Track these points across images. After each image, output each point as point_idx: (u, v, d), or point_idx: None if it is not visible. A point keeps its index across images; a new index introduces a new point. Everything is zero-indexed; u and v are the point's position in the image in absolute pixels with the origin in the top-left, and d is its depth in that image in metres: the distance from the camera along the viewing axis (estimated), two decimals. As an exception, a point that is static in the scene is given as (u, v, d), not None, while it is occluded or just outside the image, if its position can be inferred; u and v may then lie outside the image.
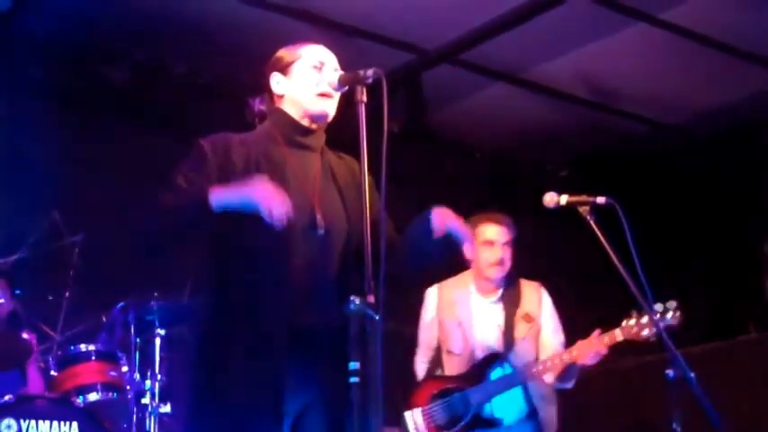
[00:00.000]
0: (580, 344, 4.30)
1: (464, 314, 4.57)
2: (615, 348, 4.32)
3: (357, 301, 2.83)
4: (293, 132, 3.12)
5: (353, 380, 2.75)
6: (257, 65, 3.25)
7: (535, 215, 4.46)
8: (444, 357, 4.60)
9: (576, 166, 7.04)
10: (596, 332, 4.28)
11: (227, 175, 2.96)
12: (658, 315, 3.90)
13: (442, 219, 3.05)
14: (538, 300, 4.57)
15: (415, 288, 4.89)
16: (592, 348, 4.24)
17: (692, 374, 3.42)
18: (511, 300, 4.54)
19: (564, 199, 3.73)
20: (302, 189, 3.04)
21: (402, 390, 4.55)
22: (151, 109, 6.13)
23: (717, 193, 6.87)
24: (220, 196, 2.85)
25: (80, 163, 5.97)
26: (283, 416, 2.89)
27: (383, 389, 2.76)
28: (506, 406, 4.42)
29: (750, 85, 6.63)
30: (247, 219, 2.91)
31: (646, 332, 4.10)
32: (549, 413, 4.47)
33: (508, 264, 4.53)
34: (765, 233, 6.72)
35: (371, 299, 2.81)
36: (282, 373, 2.89)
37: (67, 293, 5.45)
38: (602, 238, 3.58)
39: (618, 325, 4.18)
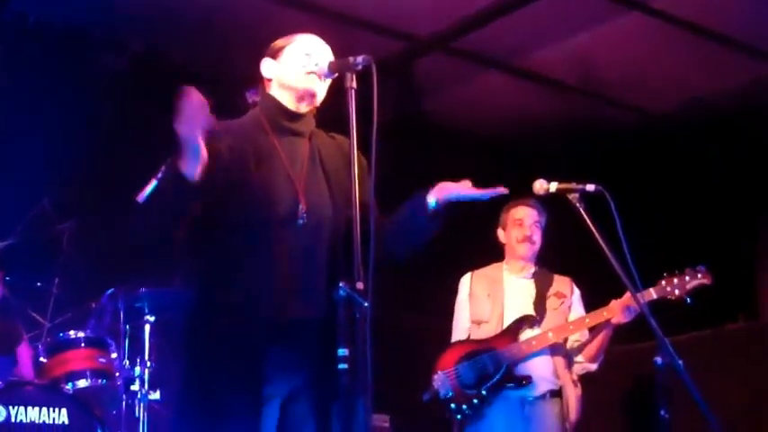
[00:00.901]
0: (614, 302, 4.39)
1: (496, 287, 4.69)
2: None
3: (346, 287, 2.83)
4: (281, 118, 3.11)
5: (342, 366, 2.76)
6: (252, 54, 3.24)
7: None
8: (473, 330, 4.68)
9: (566, 153, 7.04)
10: (629, 292, 4.33)
11: (214, 162, 2.94)
12: (690, 276, 4.20)
13: (445, 190, 3.03)
14: (570, 287, 4.71)
15: (414, 279, 4.89)
16: (625, 305, 4.33)
17: (681, 361, 3.43)
18: (542, 279, 4.69)
19: (553, 186, 3.75)
20: (288, 177, 3.03)
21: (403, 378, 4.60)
22: (146, 97, 6.10)
23: (707, 181, 6.87)
24: (184, 161, 2.80)
25: (72, 150, 5.94)
26: (263, 403, 2.89)
27: (373, 376, 2.78)
28: (536, 375, 4.48)
29: (741, 74, 6.64)
30: (231, 209, 2.91)
31: (678, 291, 4.25)
32: (573, 396, 4.50)
33: (537, 242, 4.69)
34: (755, 222, 6.74)
35: (360, 285, 2.81)
36: (263, 360, 2.88)
37: (57, 280, 5.44)
38: (591, 226, 3.59)
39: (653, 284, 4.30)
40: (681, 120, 7.01)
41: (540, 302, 4.60)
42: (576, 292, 4.71)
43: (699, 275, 4.26)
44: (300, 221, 2.98)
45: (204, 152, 2.80)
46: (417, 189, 3.14)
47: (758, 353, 5.34)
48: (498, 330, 4.56)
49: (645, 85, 6.86)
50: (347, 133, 2.90)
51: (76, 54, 6.15)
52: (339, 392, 2.77)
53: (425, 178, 3.32)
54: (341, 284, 2.83)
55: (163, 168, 2.99)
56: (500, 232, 4.78)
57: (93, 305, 5.17)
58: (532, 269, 4.72)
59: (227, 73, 5.46)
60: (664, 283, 4.29)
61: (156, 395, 4.84)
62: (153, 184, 3.26)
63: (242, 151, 3.01)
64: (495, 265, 4.78)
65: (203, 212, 2.91)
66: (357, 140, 2.88)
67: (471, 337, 4.66)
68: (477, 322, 4.66)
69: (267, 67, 3.15)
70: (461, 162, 7.07)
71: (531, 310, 4.58)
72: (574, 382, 4.55)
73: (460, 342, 4.66)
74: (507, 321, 4.58)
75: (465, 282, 4.78)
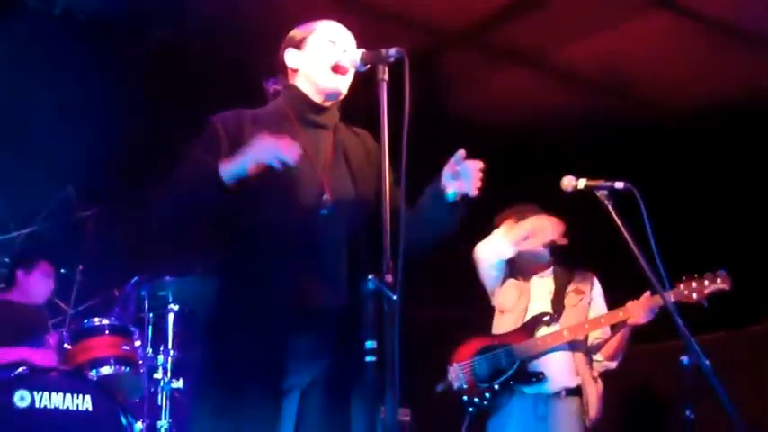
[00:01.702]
0: (631, 303, 4.37)
1: (523, 284, 4.66)
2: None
3: (375, 280, 2.83)
4: (305, 109, 3.10)
5: (370, 359, 2.76)
6: (274, 44, 3.23)
7: (550, 200, 4.51)
8: (496, 318, 4.67)
9: (591, 151, 7.00)
10: (647, 293, 4.34)
11: (239, 152, 2.95)
12: (710, 280, 4.16)
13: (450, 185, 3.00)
14: (590, 283, 4.66)
15: (430, 273, 4.88)
16: (644, 306, 4.31)
17: (707, 362, 3.42)
18: (562, 276, 4.66)
19: (582, 183, 3.72)
20: (312, 168, 3.03)
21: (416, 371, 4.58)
22: (170, 86, 6.12)
23: (731, 180, 6.84)
24: (229, 167, 2.83)
25: (96, 138, 5.96)
26: (283, 393, 2.89)
27: (400, 369, 2.77)
28: (553, 372, 4.45)
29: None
30: (255, 198, 2.91)
31: (695, 295, 4.22)
32: (593, 393, 4.48)
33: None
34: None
35: (389, 278, 2.81)
36: (284, 351, 2.88)
37: (80, 267, 5.47)
38: (619, 223, 3.57)
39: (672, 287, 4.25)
40: (707, 119, 6.97)
41: (558, 300, 4.58)
42: (597, 287, 4.67)
43: (718, 280, 4.23)
44: (324, 212, 2.98)
45: (250, 172, 2.82)
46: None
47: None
48: (518, 323, 4.54)
49: (671, 84, 6.82)
50: (375, 125, 2.90)
51: (101, 42, 6.16)
52: (365, 385, 2.77)
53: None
54: (370, 277, 2.83)
55: (202, 138, 3.00)
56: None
57: (118, 293, 5.20)
58: (551, 268, 4.70)
59: (249, 62, 5.48)
60: (682, 286, 4.27)
61: (178, 384, 4.86)
62: None
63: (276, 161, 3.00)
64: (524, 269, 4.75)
65: (229, 205, 2.92)
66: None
67: (494, 327, 4.65)
68: (500, 310, 4.65)
69: (291, 57, 3.13)
70: (484, 158, 7.06)
71: (548, 308, 4.56)
72: (594, 379, 4.52)
73: (477, 336, 4.64)
74: (529, 316, 4.56)
75: (501, 263, 4.70)
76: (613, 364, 4.60)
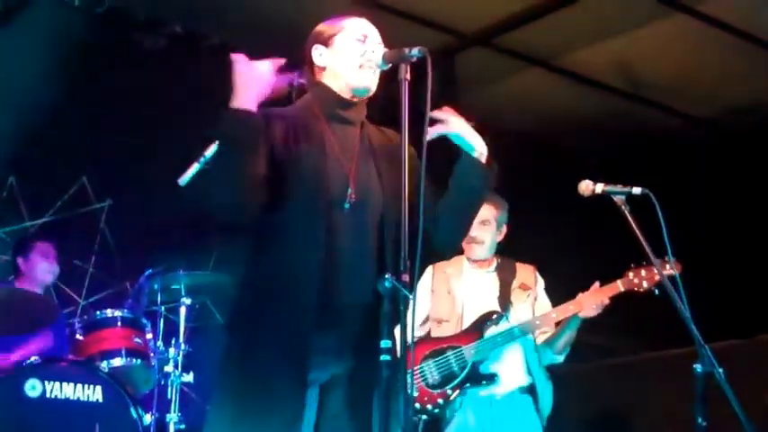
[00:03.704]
0: (581, 296, 4.32)
1: (456, 284, 4.56)
2: (642, 341, 4.34)
3: (392, 278, 2.83)
4: (334, 106, 3.11)
5: (385, 358, 2.76)
6: (292, 38, 3.24)
7: (564, 202, 4.51)
8: (433, 328, 4.57)
9: (606, 154, 7.02)
10: (596, 284, 4.31)
11: (265, 150, 2.95)
12: (660, 266, 3.89)
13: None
14: (534, 277, 4.59)
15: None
16: (594, 299, 4.27)
17: (720, 370, 3.41)
18: (506, 272, 4.57)
19: (599, 188, 3.71)
20: (338, 162, 3.04)
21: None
22: (186, 78, 6.12)
23: (747, 188, 6.82)
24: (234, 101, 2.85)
25: (111, 130, 5.98)
26: (307, 386, 2.90)
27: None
28: (505, 372, 4.40)
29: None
30: (281, 191, 2.92)
31: (646, 284, 4.16)
32: (547, 391, 4.46)
33: (486, 241, 4.52)
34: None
35: (406, 277, 2.81)
36: (308, 346, 2.89)
37: (93, 259, 5.48)
38: (635, 229, 3.57)
39: (619, 277, 4.23)
40: (724, 126, 6.96)
41: (504, 296, 4.50)
42: (540, 281, 4.60)
43: (668, 266, 4.00)
44: (348, 206, 2.99)
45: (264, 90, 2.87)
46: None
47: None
48: (458, 329, 4.46)
49: (688, 90, 6.81)
50: (397, 123, 2.91)
51: (118, 33, 6.17)
52: (380, 383, 2.78)
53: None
54: (386, 276, 2.83)
55: (213, 150, 3.01)
56: None
57: (130, 286, 5.21)
58: (494, 262, 4.60)
59: (267, 56, 5.47)
60: (631, 275, 4.21)
61: (188, 377, 4.86)
62: (195, 166, 3.27)
63: (295, 137, 3.01)
64: (456, 259, 4.63)
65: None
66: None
67: (432, 336, 4.55)
68: (437, 321, 4.54)
69: (319, 54, 3.14)
70: (500, 159, 7.06)
71: (495, 305, 4.48)
72: (546, 376, 4.49)
73: (424, 340, 4.54)
74: (468, 319, 4.47)
75: (426, 275, 4.63)
76: (561, 358, 4.53)
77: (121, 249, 5.71)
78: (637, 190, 3.65)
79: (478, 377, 4.36)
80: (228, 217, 3.02)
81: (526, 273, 4.60)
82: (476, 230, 4.45)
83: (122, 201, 5.93)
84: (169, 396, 4.80)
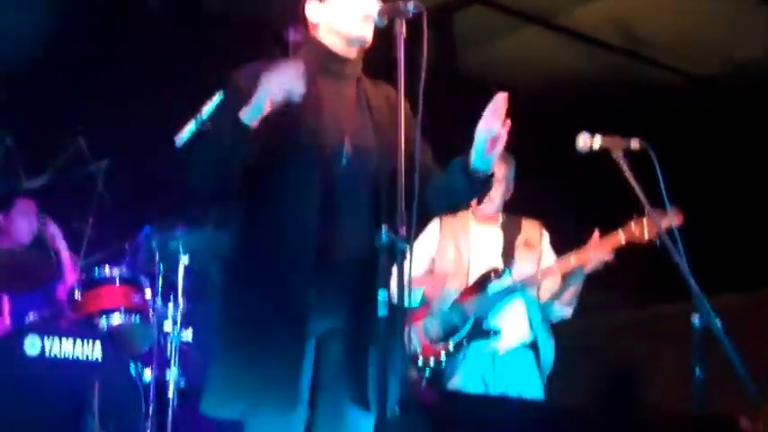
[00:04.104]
0: (582, 249, 4.32)
1: (462, 239, 4.58)
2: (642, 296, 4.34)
3: (388, 232, 2.83)
4: (328, 61, 3.10)
5: (382, 310, 2.76)
6: (289, 4, 3.21)
7: (563, 159, 4.50)
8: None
9: (606, 113, 6.97)
10: (596, 236, 4.30)
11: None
12: (660, 217, 3.96)
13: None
14: (539, 233, 4.62)
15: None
16: (595, 251, 4.27)
17: (718, 322, 3.42)
18: (511, 228, 4.59)
19: (597, 141, 3.71)
20: (334, 119, 3.02)
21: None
22: (184, 40, 6.08)
23: (747, 145, 6.80)
24: (247, 109, 2.83)
25: (108, 90, 5.95)
26: (306, 338, 2.91)
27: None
28: (507, 327, 4.42)
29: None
30: (276, 148, 2.91)
31: (647, 234, 4.14)
32: (549, 347, 4.47)
33: (495, 198, 4.55)
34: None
35: (403, 230, 2.80)
36: (306, 302, 2.90)
37: (91, 220, 5.47)
38: (633, 182, 3.56)
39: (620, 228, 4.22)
40: (724, 83, 6.92)
41: (508, 252, 4.52)
42: (546, 236, 4.63)
43: (668, 216, 4.01)
44: (344, 162, 2.98)
45: (267, 110, 2.82)
46: (451, 139, 3.15)
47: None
48: (464, 284, 4.49)
49: (687, 47, 6.75)
50: (393, 80, 2.89)
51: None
52: (376, 336, 2.78)
53: (461, 133, 3.33)
54: (383, 229, 2.83)
55: (210, 109, 3.00)
56: None
57: (128, 244, 5.20)
58: (500, 218, 4.63)
59: (265, 18, 5.44)
60: (633, 225, 4.20)
61: (187, 335, 4.87)
62: (191, 125, 3.26)
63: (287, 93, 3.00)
64: (462, 214, 4.64)
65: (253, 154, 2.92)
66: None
67: None
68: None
69: (313, 10, 3.12)
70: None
71: (498, 262, 4.50)
72: (549, 332, 4.50)
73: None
74: (473, 275, 4.50)
75: (434, 225, 4.63)
76: (569, 311, 4.55)
77: (119, 209, 5.69)
78: (635, 143, 3.66)
79: (481, 332, 4.38)
80: (201, 200, 3.04)
81: (531, 229, 4.61)
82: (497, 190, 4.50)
83: (120, 161, 5.91)
84: (168, 354, 4.81)
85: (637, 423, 2.48)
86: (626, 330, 6.02)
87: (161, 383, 4.77)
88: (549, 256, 4.59)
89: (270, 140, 2.91)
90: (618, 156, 3.63)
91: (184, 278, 4.91)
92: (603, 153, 3.70)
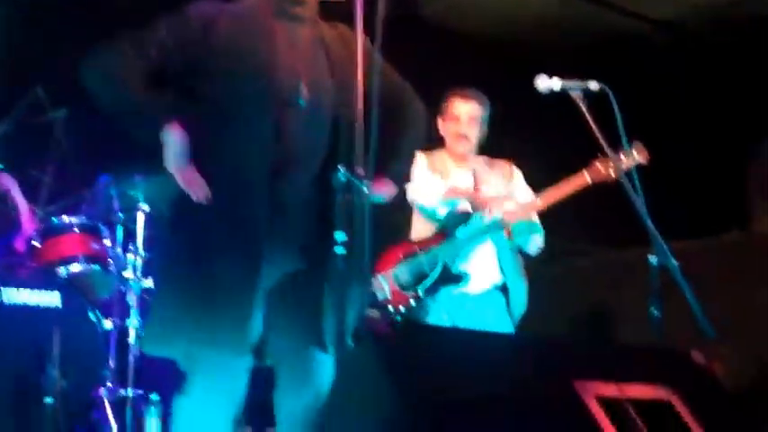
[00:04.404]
0: (549, 189, 4.34)
1: (443, 175, 4.60)
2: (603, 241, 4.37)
3: (346, 172, 2.82)
4: (283, 2, 3.07)
5: (340, 251, 2.76)
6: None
7: (526, 102, 4.49)
8: (414, 218, 4.62)
9: (566, 57, 6.96)
10: (564, 179, 4.32)
11: (209, 44, 2.92)
12: (626, 155, 4.03)
13: None
14: (510, 171, 4.65)
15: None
16: (561, 192, 4.29)
17: (675, 262, 3.45)
18: (482, 169, 4.60)
19: (557, 83, 3.73)
20: (290, 61, 3.00)
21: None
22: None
23: (710, 90, 6.82)
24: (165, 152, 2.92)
25: (66, 38, 5.85)
26: (259, 280, 2.90)
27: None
28: (477, 270, 4.43)
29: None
30: (228, 88, 2.89)
31: (613, 173, 4.13)
32: (520, 289, 4.49)
33: (473, 138, 4.58)
34: (751, 133, 6.70)
35: (360, 171, 2.80)
36: (260, 241, 2.88)
37: (50, 169, 5.40)
38: (592, 124, 3.57)
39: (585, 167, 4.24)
40: (687, 27, 6.92)
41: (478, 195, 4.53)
42: (517, 172, 4.64)
43: (635, 153, 4.09)
44: (301, 102, 2.96)
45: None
46: (413, 83, 3.15)
47: (751, 263, 5.38)
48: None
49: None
50: (352, 21, 2.88)
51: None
52: (334, 277, 2.78)
53: (421, 80, 3.33)
54: (340, 169, 2.82)
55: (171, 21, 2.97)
56: (439, 122, 4.67)
57: (86, 192, 5.14)
58: (472, 159, 4.64)
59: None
60: (598, 164, 4.20)
61: (149, 283, 4.83)
62: None
63: (242, 33, 2.97)
64: (439, 152, 4.67)
65: (205, 94, 2.90)
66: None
67: (413, 226, 4.61)
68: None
69: None
70: (460, 60, 7.00)
71: (467, 205, 4.51)
72: (521, 274, 4.52)
73: (398, 244, 4.58)
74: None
75: (420, 159, 4.61)
76: (534, 248, 4.56)
77: (78, 158, 5.62)
78: (594, 85, 3.68)
79: (450, 276, 4.38)
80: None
81: (503, 169, 4.60)
82: (465, 128, 4.54)
83: (78, 109, 5.82)
84: (129, 302, 4.78)
85: (591, 353, 2.50)
86: (589, 275, 6.06)
87: (122, 332, 4.74)
88: (521, 187, 4.59)
89: (224, 82, 2.89)
90: (577, 96, 3.64)
91: (144, 226, 4.87)
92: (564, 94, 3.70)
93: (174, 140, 2.91)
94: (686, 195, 6.20)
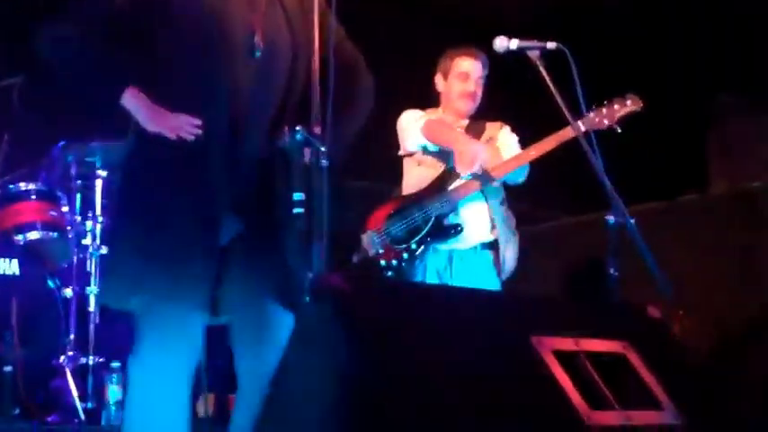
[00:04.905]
0: (543, 140, 4.29)
1: None
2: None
3: (303, 131, 2.80)
4: None
5: (298, 210, 2.75)
6: None
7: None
8: (410, 168, 4.59)
9: (525, 19, 6.94)
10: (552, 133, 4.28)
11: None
12: (619, 104, 4.09)
13: None
14: (500, 128, 4.61)
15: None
16: (555, 141, 4.25)
17: (632, 220, 3.47)
18: (475, 129, 4.57)
19: (514, 43, 3.72)
20: (243, 12, 2.97)
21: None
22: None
23: (668, 51, 6.83)
24: (130, 104, 2.89)
25: (23, 3, 5.77)
26: (216, 237, 2.88)
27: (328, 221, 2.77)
28: (469, 226, 4.41)
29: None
30: (181, 41, 2.86)
31: (607, 121, 4.13)
32: (511, 249, 4.50)
33: (479, 98, 4.57)
34: (713, 93, 6.73)
35: (317, 129, 2.78)
36: (217, 196, 2.87)
37: (6, 136, 5.33)
38: (550, 83, 3.57)
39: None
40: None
41: None
42: (507, 130, 4.61)
43: (629, 102, 4.12)
44: (257, 54, 2.94)
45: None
46: (376, 41, 3.12)
47: (709, 224, 5.42)
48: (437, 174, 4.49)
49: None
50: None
51: None
52: (291, 236, 2.78)
53: (384, 33, 3.28)
54: (298, 128, 2.80)
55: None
56: (438, 79, 4.62)
57: (43, 159, 5.08)
58: (467, 121, 4.61)
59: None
60: (592, 114, 4.15)
61: (106, 250, 4.80)
62: None
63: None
64: (433, 111, 4.63)
65: (157, 50, 2.87)
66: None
67: (405, 178, 4.59)
68: (419, 161, 4.56)
69: None
70: (418, 20, 6.97)
71: None
72: (512, 232, 4.52)
73: (388, 200, 4.57)
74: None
75: (417, 114, 4.57)
76: (521, 178, 4.52)
77: (35, 125, 5.55)
78: (551, 45, 3.67)
79: (442, 230, 4.37)
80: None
81: (494, 129, 4.60)
82: (473, 86, 4.52)
83: (34, 75, 5.75)
84: (88, 269, 4.75)
85: (548, 308, 2.52)
86: (552, 239, 6.09)
87: (82, 299, 4.72)
88: (510, 144, 4.57)
89: (178, 36, 2.86)
90: (534, 56, 3.63)
91: (102, 193, 4.83)
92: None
93: (136, 103, 2.87)
94: (645, 158, 6.22)
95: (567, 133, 4.16)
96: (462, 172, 4.34)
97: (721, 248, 5.32)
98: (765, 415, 3.95)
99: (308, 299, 2.18)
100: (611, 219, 3.56)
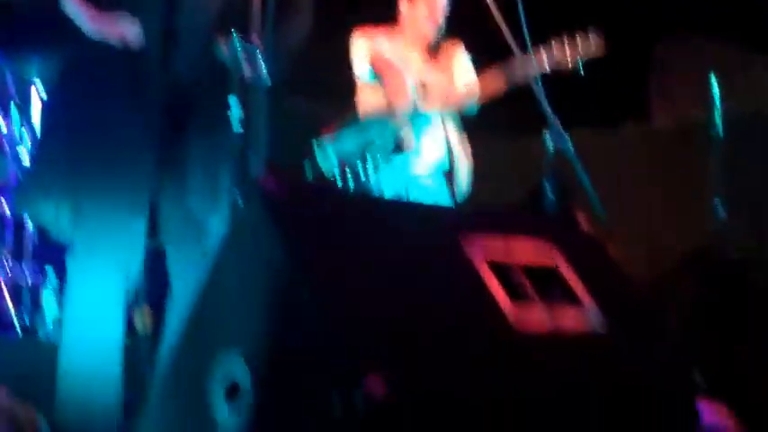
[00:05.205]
0: (497, 73, 4.29)
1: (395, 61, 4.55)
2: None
3: (240, 40, 2.78)
4: None
5: (237, 129, 2.74)
6: None
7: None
8: (363, 93, 4.56)
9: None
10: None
11: None
12: (583, 44, 4.10)
13: None
14: (453, 50, 4.58)
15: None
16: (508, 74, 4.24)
17: (570, 144, 3.50)
18: (432, 54, 4.55)
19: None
20: None
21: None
22: None
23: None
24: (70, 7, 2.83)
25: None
26: (154, 150, 2.86)
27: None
28: (425, 148, 4.41)
29: None
30: None
31: (570, 60, 4.14)
32: (464, 170, 4.52)
33: (440, 21, 4.52)
34: (654, 23, 6.73)
35: (256, 40, 2.76)
36: (155, 110, 2.84)
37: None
38: (500, 20, 3.54)
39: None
40: None
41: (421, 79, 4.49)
42: (460, 55, 4.58)
43: (591, 43, 4.13)
44: None
45: None
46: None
47: (651, 155, 5.49)
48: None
49: None
50: None
51: None
52: (226, 145, 2.77)
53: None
54: (235, 39, 2.78)
55: None
56: (403, 3, 4.59)
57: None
58: (427, 42, 4.57)
59: None
60: (555, 51, 4.16)
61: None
62: None
63: None
64: (392, 35, 4.58)
65: None
66: None
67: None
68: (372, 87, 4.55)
69: None
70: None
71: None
72: (466, 154, 4.57)
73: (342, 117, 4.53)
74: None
75: (361, 50, 4.57)
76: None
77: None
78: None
79: (399, 144, 4.34)
80: None
81: (449, 47, 4.58)
82: (440, 13, 4.49)
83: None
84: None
85: (479, 214, 2.54)
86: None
87: (19, 220, 4.66)
88: (463, 74, 4.55)
89: None
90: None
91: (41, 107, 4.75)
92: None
93: (78, 7, 2.81)
94: (586, 84, 6.23)
95: (525, 65, 4.06)
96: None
97: (658, 179, 5.40)
98: (693, 330, 4.05)
99: (240, 203, 2.18)
100: (548, 141, 3.58)
